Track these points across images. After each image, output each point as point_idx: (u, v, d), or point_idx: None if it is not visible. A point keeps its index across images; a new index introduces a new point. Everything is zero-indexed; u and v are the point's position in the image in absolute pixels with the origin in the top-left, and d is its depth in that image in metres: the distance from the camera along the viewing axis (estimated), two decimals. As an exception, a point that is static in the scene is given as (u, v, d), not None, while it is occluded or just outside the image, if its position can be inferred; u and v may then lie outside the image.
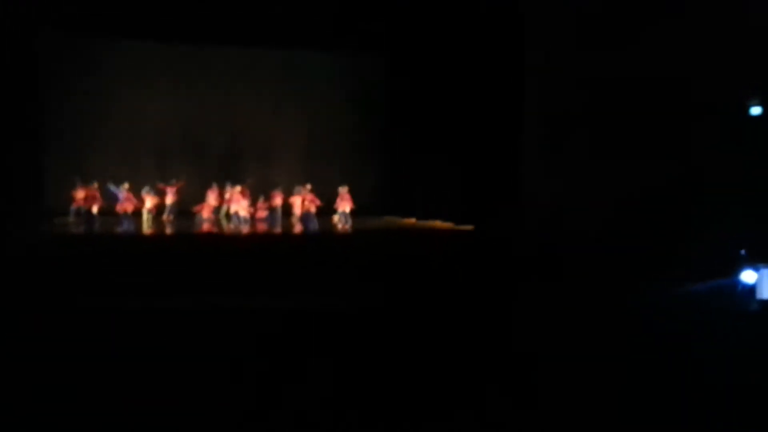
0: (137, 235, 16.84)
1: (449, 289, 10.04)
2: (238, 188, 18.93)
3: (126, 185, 18.26)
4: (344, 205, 18.77)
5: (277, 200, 19.50)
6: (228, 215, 19.01)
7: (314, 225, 18.19)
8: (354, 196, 19.24)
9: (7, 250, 12.28)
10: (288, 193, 19.36)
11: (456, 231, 17.62)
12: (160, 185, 19.19)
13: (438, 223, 18.84)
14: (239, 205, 18.67)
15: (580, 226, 14.38)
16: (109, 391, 4.88)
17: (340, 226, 18.49)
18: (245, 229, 17.90)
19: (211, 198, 19.18)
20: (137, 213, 18.32)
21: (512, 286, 10.51)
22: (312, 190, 18.88)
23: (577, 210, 14.73)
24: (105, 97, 20.94)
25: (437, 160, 19.43)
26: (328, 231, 17.88)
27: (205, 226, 18.23)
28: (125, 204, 17.98)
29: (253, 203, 19.16)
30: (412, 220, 19.91)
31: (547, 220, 15.22)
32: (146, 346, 5.75)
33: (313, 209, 18.56)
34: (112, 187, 18.17)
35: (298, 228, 18.11)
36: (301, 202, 18.73)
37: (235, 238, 16.47)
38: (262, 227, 18.42)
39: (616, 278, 10.80)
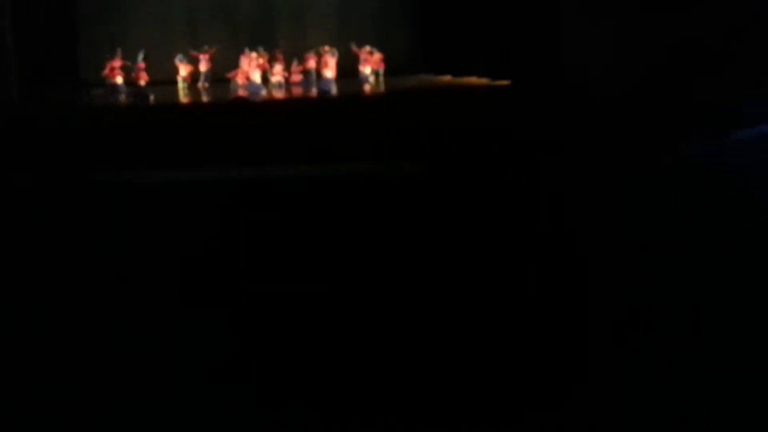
0: (172, 105, 16.84)
1: (486, 149, 9.92)
2: (255, 54, 18.61)
3: (141, 55, 18.08)
4: (368, 66, 18.49)
5: (311, 63, 19.25)
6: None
7: (330, 88, 17.91)
8: (388, 54, 18.98)
9: (42, 121, 12.39)
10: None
11: (493, 87, 17.30)
12: (193, 53, 19.06)
13: (474, 80, 18.50)
14: (270, 70, 18.49)
15: (622, 79, 14.02)
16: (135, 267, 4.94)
17: (366, 86, 18.25)
18: (279, 94, 17.79)
19: (245, 63, 18.96)
20: (173, 82, 18.32)
21: (553, 141, 10.34)
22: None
23: (619, 62, 14.33)
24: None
25: (473, 14, 18.88)
26: (359, 93, 17.67)
27: (240, 93, 18.13)
28: (138, 74, 17.83)
29: (287, 67, 18.99)
30: (447, 78, 19.56)
31: (587, 70, 14.87)
32: (180, 219, 5.77)
33: (330, 72, 18.24)
34: (140, 58, 18.01)
35: (332, 91, 17.92)
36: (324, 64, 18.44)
37: (270, 105, 16.39)
38: (297, 91, 18.30)
39: (663, 131, 10.58)
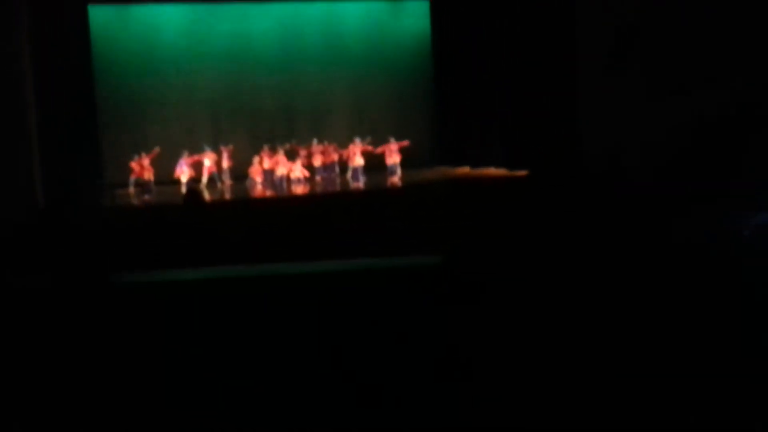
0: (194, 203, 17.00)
1: (507, 240, 9.94)
2: (281, 151, 18.99)
3: (185, 153, 18.53)
4: (393, 158, 18.80)
5: (333, 157, 19.56)
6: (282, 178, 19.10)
7: (359, 179, 18.27)
8: (406, 148, 19.27)
9: (65, 225, 12.55)
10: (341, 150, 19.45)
11: (511, 177, 17.45)
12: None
13: (492, 171, 18.69)
14: (289, 167, 18.77)
15: (639, 163, 14.09)
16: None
17: (392, 179, 18.52)
18: (300, 189, 18.00)
19: (264, 160, 19.26)
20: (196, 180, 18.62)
21: (574, 229, 10.35)
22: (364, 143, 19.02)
23: (636, 147, 14.42)
24: (156, 63, 21.14)
25: (488, 107, 19.21)
26: (381, 185, 17.88)
27: (259, 190, 18.38)
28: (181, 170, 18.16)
29: (308, 162, 19.29)
30: (466, 169, 19.77)
31: (604, 159, 14.95)
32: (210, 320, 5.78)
33: (360, 162, 18.63)
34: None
35: (353, 184, 18.16)
36: (353, 156, 18.81)
37: (287, 201, 16.57)
38: (319, 187, 18.54)
39: (679, 214, 10.55)
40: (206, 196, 17.06)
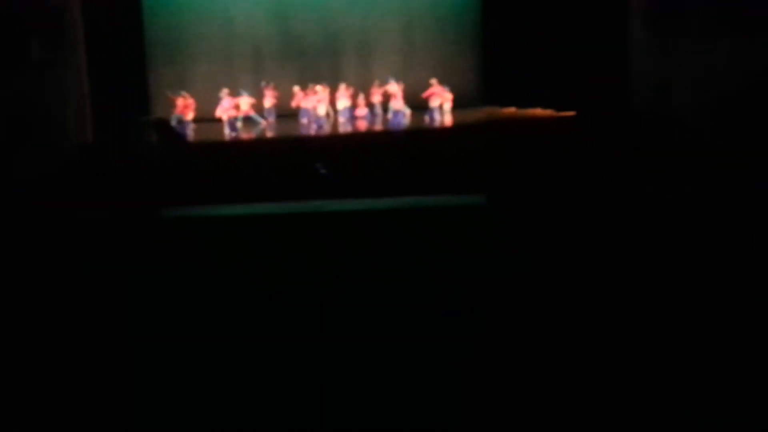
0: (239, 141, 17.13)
1: (554, 181, 9.84)
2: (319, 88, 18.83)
3: (226, 92, 18.55)
4: (437, 99, 18.58)
5: (376, 97, 19.39)
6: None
7: (402, 121, 18.08)
8: (452, 87, 19.02)
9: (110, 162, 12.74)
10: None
11: (558, 118, 17.21)
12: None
13: (539, 111, 18.43)
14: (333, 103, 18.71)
15: (689, 110, 13.77)
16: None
17: (431, 120, 18.36)
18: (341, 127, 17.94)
19: (310, 97, 19.13)
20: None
21: (620, 173, 10.22)
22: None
23: (687, 92, 14.08)
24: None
25: (536, 46, 18.87)
26: (425, 126, 17.73)
27: (306, 128, 18.34)
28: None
29: (353, 100, 19.13)
30: (512, 109, 19.52)
31: (653, 102, 14.65)
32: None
33: (402, 105, 18.42)
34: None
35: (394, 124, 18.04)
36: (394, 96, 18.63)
37: (332, 138, 16.54)
38: (363, 125, 18.42)
39: (725, 165, 10.34)
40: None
